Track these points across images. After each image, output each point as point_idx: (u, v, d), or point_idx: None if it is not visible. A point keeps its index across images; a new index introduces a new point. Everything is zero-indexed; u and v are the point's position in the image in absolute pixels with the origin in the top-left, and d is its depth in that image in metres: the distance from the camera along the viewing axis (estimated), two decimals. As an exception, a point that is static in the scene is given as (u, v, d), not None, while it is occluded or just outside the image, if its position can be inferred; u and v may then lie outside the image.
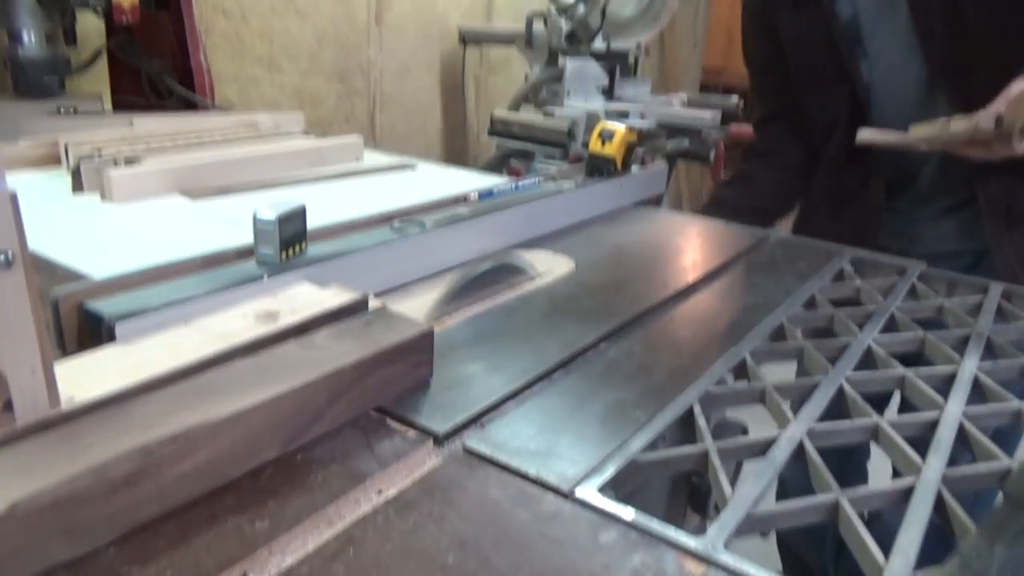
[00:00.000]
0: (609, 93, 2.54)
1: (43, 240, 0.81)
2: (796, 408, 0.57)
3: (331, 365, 0.49)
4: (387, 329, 0.55)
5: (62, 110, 1.38)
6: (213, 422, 0.41)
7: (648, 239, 1.00)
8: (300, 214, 0.64)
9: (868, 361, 0.68)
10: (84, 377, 0.45)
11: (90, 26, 1.61)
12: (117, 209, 0.96)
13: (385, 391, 0.53)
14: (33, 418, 0.39)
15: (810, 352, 0.68)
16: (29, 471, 0.36)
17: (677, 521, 0.65)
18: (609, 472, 0.48)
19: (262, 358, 0.49)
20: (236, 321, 0.54)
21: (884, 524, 0.49)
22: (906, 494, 0.48)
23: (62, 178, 1.06)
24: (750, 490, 0.47)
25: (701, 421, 0.55)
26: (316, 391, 0.48)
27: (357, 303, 0.57)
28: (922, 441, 0.54)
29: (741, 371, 0.65)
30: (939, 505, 0.47)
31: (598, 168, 1.06)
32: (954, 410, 0.58)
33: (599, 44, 2.48)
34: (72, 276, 0.72)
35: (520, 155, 2.27)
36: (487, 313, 0.71)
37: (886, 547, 0.43)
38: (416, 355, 0.55)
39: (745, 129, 1.84)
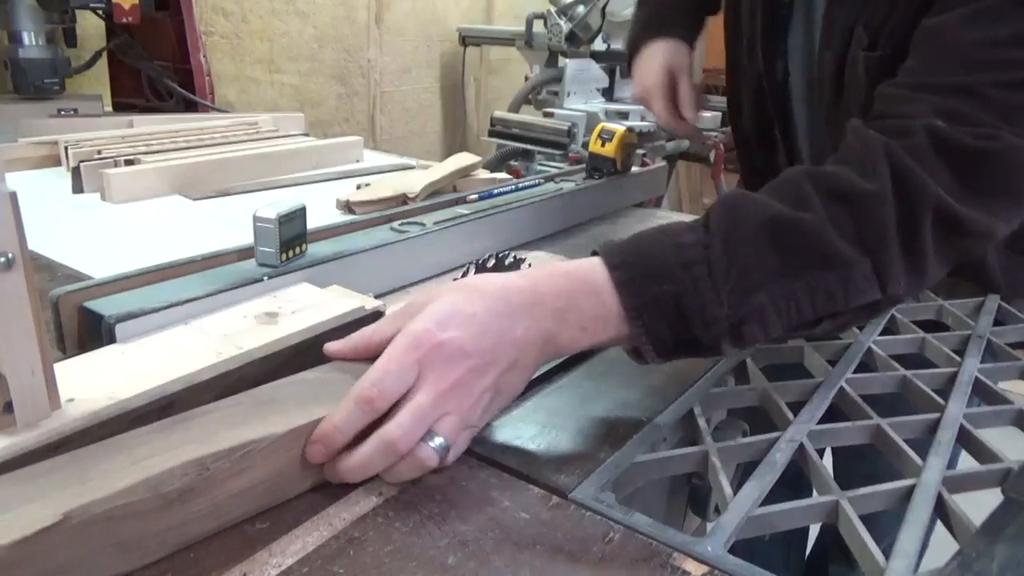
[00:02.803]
0: (609, 94, 2.54)
1: (43, 240, 0.81)
2: (796, 410, 0.57)
3: None
4: None
5: (62, 111, 1.38)
6: (270, 438, 0.41)
7: (648, 240, 1.00)
8: (300, 214, 0.64)
9: (868, 363, 0.68)
10: (84, 377, 0.44)
11: (90, 27, 1.61)
12: (117, 209, 0.96)
13: None
14: (34, 419, 0.39)
15: (810, 354, 0.68)
16: (83, 481, 0.35)
17: (677, 522, 0.65)
18: (609, 473, 0.48)
19: (323, 371, 0.48)
20: (236, 321, 0.54)
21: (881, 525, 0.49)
22: (906, 494, 0.48)
23: (62, 178, 1.06)
24: (750, 492, 0.47)
25: (702, 422, 0.55)
26: None
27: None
28: (922, 442, 0.54)
29: (742, 372, 0.65)
30: (939, 506, 0.47)
31: (598, 169, 1.06)
32: (954, 411, 0.58)
33: (599, 45, 2.48)
34: (72, 276, 0.72)
35: (520, 155, 2.27)
36: (487, 314, 0.71)
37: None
38: None
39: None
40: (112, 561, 0.35)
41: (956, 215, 0.53)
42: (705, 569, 0.40)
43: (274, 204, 0.62)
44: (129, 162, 1.04)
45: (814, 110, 0.86)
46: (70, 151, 1.06)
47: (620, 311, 0.49)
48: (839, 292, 0.51)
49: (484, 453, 0.49)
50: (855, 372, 0.64)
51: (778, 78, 0.88)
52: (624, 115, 2.34)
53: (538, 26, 2.43)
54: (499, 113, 2.31)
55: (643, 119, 2.35)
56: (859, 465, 0.73)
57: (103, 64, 1.59)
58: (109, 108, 1.59)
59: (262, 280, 0.60)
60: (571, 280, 0.50)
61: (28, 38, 1.37)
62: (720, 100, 1.02)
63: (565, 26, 2.28)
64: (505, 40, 2.69)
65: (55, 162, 1.13)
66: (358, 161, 1.30)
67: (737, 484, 0.48)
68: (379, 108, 2.64)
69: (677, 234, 0.51)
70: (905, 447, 0.53)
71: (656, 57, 0.92)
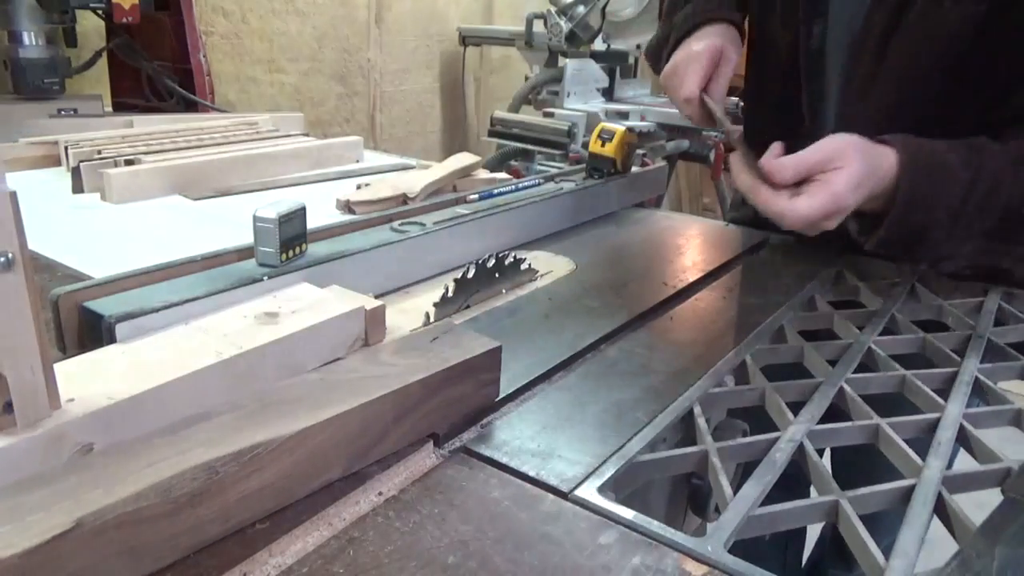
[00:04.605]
0: (609, 94, 2.54)
1: (43, 240, 0.81)
2: (796, 410, 0.57)
3: (397, 382, 0.47)
4: (453, 345, 0.53)
5: (62, 111, 1.38)
6: (278, 439, 0.40)
7: (648, 239, 1.00)
8: (300, 214, 0.64)
9: (868, 363, 0.68)
10: (84, 377, 0.44)
11: (90, 27, 1.61)
12: (117, 209, 0.96)
13: (451, 411, 0.51)
14: (33, 419, 0.39)
15: (810, 354, 0.68)
16: (93, 487, 0.35)
17: (677, 522, 0.65)
18: (609, 473, 0.48)
19: (327, 372, 0.49)
20: (236, 321, 0.54)
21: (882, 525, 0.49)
22: (906, 494, 0.48)
23: (62, 178, 1.06)
24: (750, 491, 0.47)
25: (701, 422, 0.55)
26: (382, 409, 0.46)
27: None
28: (922, 442, 0.54)
29: (742, 372, 0.65)
30: (939, 506, 0.47)
31: (598, 169, 1.06)
32: (954, 411, 0.58)
33: (599, 45, 2.48)
34: (72, 276, 0.72)
35: (520, 155, 2.27)
36: (488, 314, 0.71)
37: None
38: (483, 373, 0.53)
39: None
40: (124, 567, 0.35)
41: None
42: (705, 569, 0.40)
43: (274, 204, 0.62)
44: (129, 162, 1.04)
45: (851, 80, 0.83)
46: (70, 151, 1.06)
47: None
48: None
49: (484, 453, 0.50)
50: (855, 372, 0.64)
51: (814, 45, 0.85)
52: (624, 115, 2.34)
53: (538, 26, 2.43)
54: (499, 113, 2.31)
55: (643, 119, 2.35)
56: (859, 465, 0.73)
57: (103, 64, 1.59)
58: (109, 108, 1.58)
59: (262, 280, 0.60)
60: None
61: (28, 38, 1.36)
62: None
63: (565, 26, 2.28)
64: (505, 40, 2.69)
65: (55, 162, 1.13)
66: (358, 161, 1.30)
67: (737, 484, 0.48)
68: (379, 108, 2.64)
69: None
70: (905, 447, 0.53)
71: (711, 34, 0.84)
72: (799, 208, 0.62)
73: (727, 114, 0.81)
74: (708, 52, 0.81)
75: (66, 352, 0.52)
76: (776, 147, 0.68)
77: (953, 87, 0.73)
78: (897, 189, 0.65)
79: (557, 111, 2.27)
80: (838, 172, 0.63)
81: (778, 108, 0.92)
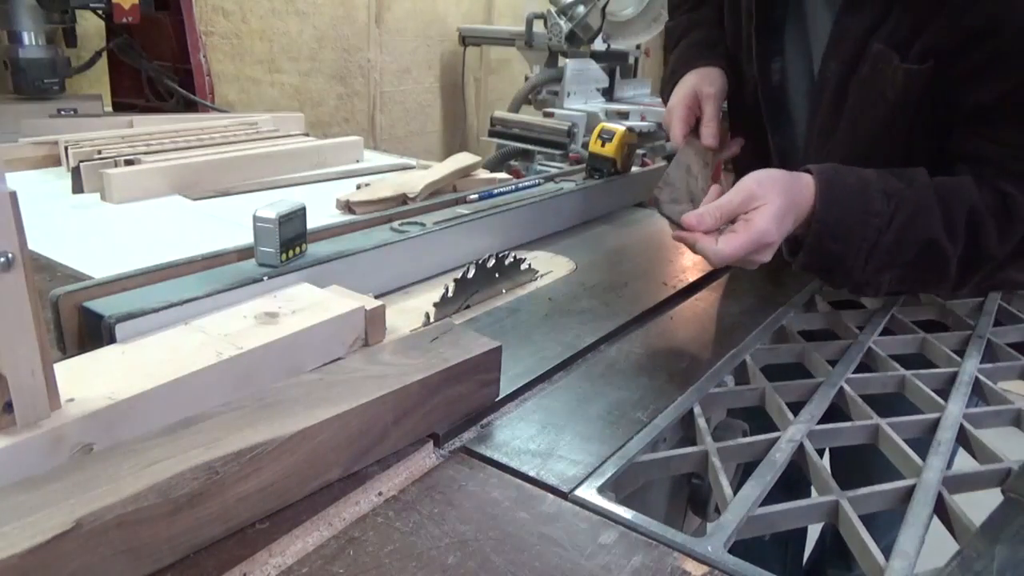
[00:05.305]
0: (609, 94, 2.54)
1: (43, 240, 0.81)
2: (796, 410, 0.57)
3: (397, 382, 0.47)
4: (453, 345, 0.53)
5: (62, 111, 1.37)
6: (278, 440, 0.40)
7: (648, 239, 1.00)
8: (300, 214, 0.64)
9: (869, 363, 0.68)
10: (84, 377, 0.44)
11: (90, 27, 1.61)
12: (117, 209, 0.96)
13: (451, 411, 0.51)
14: (33, 419, 0.39)
15: (810, 354, 0.68)
16: (93, 487, 0.35)
17: (677, 523, 0.65)
18: (609, 473, 0.48)
19: (327, 372, 0.49)
20: (236, 321, 0.54)
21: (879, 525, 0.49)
22: (906, 494, 0.48)
23: (62, 178, 1.06)
24: (750, 491, 0.47)
25: (701, 422, 0.55)
26: (382, 409, 0.46)
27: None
28: (922, 442, 0.54)
29: (742, 372, 0.65)
30: (939, 506, 0.47)
31: (598, 169, 1.06)
32: (954, 411, 0.58)
33: (599, 45, 2.48)
34: (72, 276, 0.72)
35: (520, 155, 2.26)
36: (488, 314, 0.71)
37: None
38: (483, 373, 0.53)
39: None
40: (123, 567, 0.35)
41: None
42: (705, 569, 0.40)
43: (274, 204, 0.62)
44: (129, 162, 1.04)
45: (814, 123, 0.83)
46: (70, 151, 1.06)
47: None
48: None
49: (484, 453, 0.50)
50: (855, 372, 0.64)
51: (775, 82, 0.86)
52: (624, 115, 2.34)
53: (538, 26, 2.43)
54: (499, 113, 2.31)
55: (643, 119, 2.35)
56: (859, 465, 0.73)
57: (103, 64, 1.59)
58: (109, 108, 1.58)
59: (262, 280, 0.60)
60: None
61: (28, 38, 1.36)
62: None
63: (565, 26, 2.28)
64: (505, 40, 2.68)
65: (55, 162, 1.13)
66: (358, 161, 1.30)
67: (737, 484, 0.48)
68: (379, 108, 2.64)
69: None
70: (905, 447, 0.53)
71: (685, 82, 0.88)
72: (723, 249, 0.64)
73: (704, 160, 0.82)
74: (683, 102, 0.85)
75: (66, 352, 0.52)
76: (714, 190, 0.72)
77: (912, 134, 0.74)
78: (812, 218, 0.66)
79: (557, 111, 2.27)
80: (759, 210, 0.65)
81: (749, 146, 0.93)
